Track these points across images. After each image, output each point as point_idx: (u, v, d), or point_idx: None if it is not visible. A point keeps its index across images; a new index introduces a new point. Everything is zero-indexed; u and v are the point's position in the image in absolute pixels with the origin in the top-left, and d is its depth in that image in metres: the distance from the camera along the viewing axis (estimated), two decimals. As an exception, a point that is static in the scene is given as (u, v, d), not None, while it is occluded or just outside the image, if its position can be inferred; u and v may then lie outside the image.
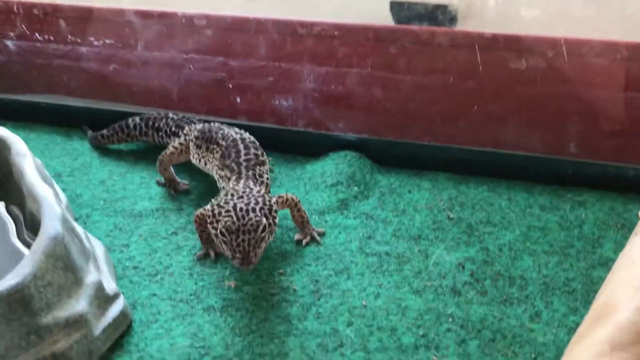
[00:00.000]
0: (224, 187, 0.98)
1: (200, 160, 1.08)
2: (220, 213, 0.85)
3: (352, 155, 1.16)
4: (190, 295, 0.88)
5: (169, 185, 1.11)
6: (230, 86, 1.22)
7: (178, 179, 1.13)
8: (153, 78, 1.26)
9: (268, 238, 0.85)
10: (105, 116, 1.29)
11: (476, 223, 1.02)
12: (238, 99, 1.23)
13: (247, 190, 0.90)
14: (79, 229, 0.86)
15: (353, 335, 0.81)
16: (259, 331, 0.82)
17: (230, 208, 0.85)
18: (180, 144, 1.11)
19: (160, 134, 1.19)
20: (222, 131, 1.06)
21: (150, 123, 1.20)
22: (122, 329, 0.81)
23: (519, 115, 1.11)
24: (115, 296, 0.82)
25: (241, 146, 1.01)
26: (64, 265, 0.74)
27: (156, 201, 1.09)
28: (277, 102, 1.21)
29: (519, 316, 0.83)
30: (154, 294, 0.88)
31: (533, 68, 1.07)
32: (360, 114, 1.18)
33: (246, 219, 0.83)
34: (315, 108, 1.20)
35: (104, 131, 1.24)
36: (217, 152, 1.03)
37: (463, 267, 0.92)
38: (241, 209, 0.85)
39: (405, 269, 0.92)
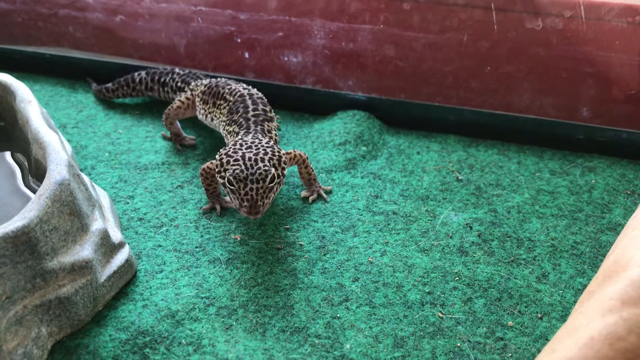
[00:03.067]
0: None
1: (206, 116, 1.07)
2: (228, 162, 0.85)
3: (360, 115, 1.15)
4: (196, 247, 0.88)
5: (175, 140, 1.11)
6: (239, 41, 1.20)
7: (184, 134, 1.12)
8: (160, 31, 1.24)
9: (276, 189, 0.85)
10: (110, 69, 1.27)
11: (485, 185, 1.01)
12: (246, 55, 1.21)
13: (256, 141, 0.89)
14: (85, 177, 0.85)
15: (359, 290, 0.81)
16: (265, 284, 0.82)
17: (239, 157, 0.85)
18: (187, 98, 1.10)
19: (166, 89, 1.18)
20: (229, 87, 1.05)
21: (157, 78, 1.19)
22: (127, 278, 0.82)
23: (532, 77, 1.10)
24: (120, 245, 0.82)
25: (249, 102, 1.00)
26: (69, 211, 0.74)
27: (162, 155, 1.08)
28: (286, 59, 1.19)
29: (526, 277, 0.83)
30: (159, 245, 0.88)
31: (549, 29, 1.05)
32: (370, 73, 1.17)
33: (255, 168, 0.83)
34: (325, 65, 1.18)
35: (109, 85, 1.23)
36: (224, 107, 1.02)
37: (471, 228, 0.92)
38: (250, 159, 0.84)
39: (412, 228, 0.92)
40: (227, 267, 0.85)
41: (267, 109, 1.01)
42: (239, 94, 1.02)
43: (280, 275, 0.83)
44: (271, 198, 0.83)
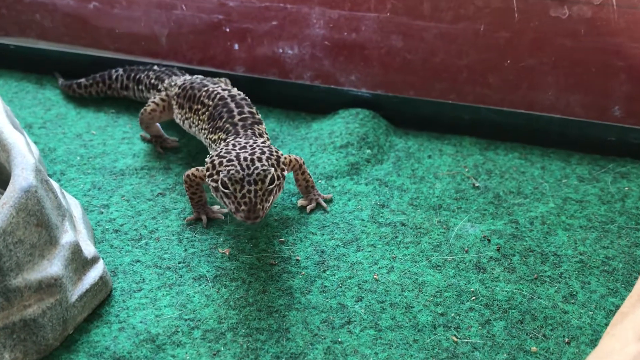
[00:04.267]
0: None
1: (183, 122, 1.07)
2: (221, 163, 0.85)
3: (365, 114, 1.16)
4: (179, 262, 0.88)
5: (156, 142, 1.11)
6: (228, 30, 1.21)
7: (165, 135, 1.12)
8: (139, 20, 1.25)
9: (276, 193, 0.85)
10: (83, 63, 1.28)
11: (505, 193, 1.02)
12: (236, 46, 1.22)
13: (251, 141, 0.90)
14: (54, 183, 0.85)
15: (363, 311, 0.81)
16: (257, 304, 0.82)
17: (233, 157, 0.85)
18: (162, 99, 1.09)
19: (140, 87, 1.18)
20: (206, 88, 1.04)
21: (133, 75, 1.19)
22: (101, 297, 0.82)
23: (557, 72, 1.10)
24: (93, 260, 0.82)
25: (232, 105, 0.99)
26: (36, 222, 0.74)
27: (140, 159, 1.08)
28: (281, 51, 1.20)
29: (551, 296, 0.84)
30: (138, 261, 0.88)
31: (577, 18, 1.06)
32: (375, 67, 1.18)
33: (252, 168, 0.83)
34: (325, 58, 1.19)
35: (82, 80, 1.23)
36: (203, 113, 1.01)
37: (489, 241, 0.92)
38: (245, 159, 0.85)
39: (423, 242, 0.92)
40: (214, 285, 0.85)
41: (254, 110, 1.00)
42: (218, 96, 1.01)
43: (274, 294, 0.84)
44: (270, 202, 0.84)
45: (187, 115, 1.05)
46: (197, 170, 0.93)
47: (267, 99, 1.21)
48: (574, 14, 1.06)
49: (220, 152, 0.87)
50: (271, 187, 0.83)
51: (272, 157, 0.87)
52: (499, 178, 1.05)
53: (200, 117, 1.02)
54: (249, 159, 0.84)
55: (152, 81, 1.15)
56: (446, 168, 1.07)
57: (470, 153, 1.11)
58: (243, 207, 0.81)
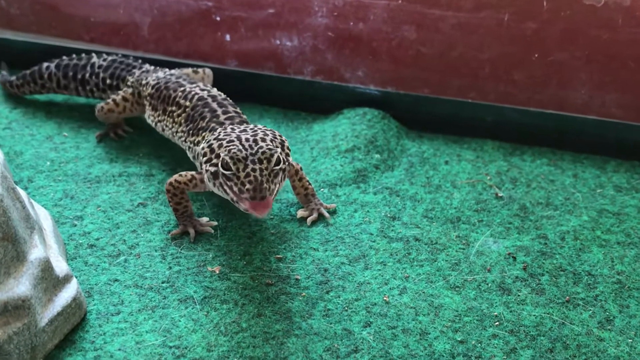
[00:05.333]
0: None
1: (156, 124, 1.08)
2: (220, 145, 0.87)
3: (373, 114, 1.17)
4: (163, 282, 0.88)
5: (109, 129, 1.15)
6: (219, 19, 1.22)
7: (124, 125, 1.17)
8: (118, 6, 1.25)
9: (282, 179, 0.86)
10: (53, 55, 1.28)
11: (532, 205, 1.02)
12: (228, 37, 1.22)
13: (251, 125, 0.93)
14: (21, 191, 0.86)
15: (371, 338, 0.81)
16: (251, 329, 0.82)
17: (234, 138, 0.87)
18: (125, 99, 1.12)
19: (88, 87, 1.19)
20: (182, 88, 1.05)
21: (71, 73, 1.19)
22: (75, 321, 0.82)
23: (591, 67, 1.11)
24: (66, 279, 0.82)
25: (214, 105, 1.01)
26: (2, 235, 0.75)
27: (119, 164, 1.09)
28: (278, 42, 1.20)
29: (585, 321, 0.84)
30: (116, 280, 0.89)
31: (613, 6, 1.06)
32: (385, 61, 1.18)
33: (255, 147, 0.85)
34: (328, 51, 1.19)
35: (13, 79, 1.23)
36: (179, 115, 1.03)
37: (514, 259, 0.92)
38: (247, 139, 0.87)
39: (440, 259, 0.92)
40: (202, 307, 0.85)
41: (239, 110, 1.02)
42: (197, 96, 1.03)
43: (271, 318, 0.84)
44: (277, 185, 0.85)
45: (160, 118, 1.06)
46: (181, 176, 0.94)
47: (262, 97, 1.22)
48: (610, 2, 1.07)
49: (219, 135, 0.89)
50: (277, 168, 0.84)
51: (276, 139, 0.89)
52: (525, 187, 1.05)
53: (175, 120, 1.03)
54: (251, 139, 0.87)
55: (107, 82, 1.16)
56: (465, 176, 1.08)
57: (493, 159, 1.11)
58: (248, 186, 0.82)
